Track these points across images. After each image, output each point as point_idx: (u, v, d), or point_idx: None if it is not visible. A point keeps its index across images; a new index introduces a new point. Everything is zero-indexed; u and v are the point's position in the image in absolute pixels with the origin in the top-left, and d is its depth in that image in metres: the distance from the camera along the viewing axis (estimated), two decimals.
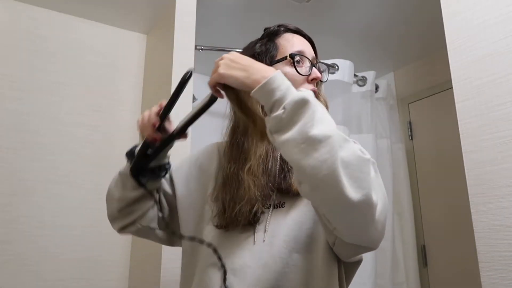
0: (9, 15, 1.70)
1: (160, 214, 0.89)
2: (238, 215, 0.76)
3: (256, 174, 0.78)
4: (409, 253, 2.19)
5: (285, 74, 0.85)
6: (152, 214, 0.88)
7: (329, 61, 1.99)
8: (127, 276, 1.71)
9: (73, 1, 1.75)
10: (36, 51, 1.73)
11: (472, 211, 0.98)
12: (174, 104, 0.76)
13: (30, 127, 1.65)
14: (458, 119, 1.03)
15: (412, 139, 2.45)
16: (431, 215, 2.27)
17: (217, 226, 0.80)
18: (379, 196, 0.62)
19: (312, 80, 0.87)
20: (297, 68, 0.85)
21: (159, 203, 0.90)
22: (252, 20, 1.99)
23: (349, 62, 2.05)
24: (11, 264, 1.51)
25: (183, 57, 1.61)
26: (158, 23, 1.86)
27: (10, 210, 1.55)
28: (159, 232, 0.90)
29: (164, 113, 0.77)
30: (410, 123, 2.47)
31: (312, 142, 0.58)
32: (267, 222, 0.77)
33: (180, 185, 0.90)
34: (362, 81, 2.19)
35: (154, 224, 0.88)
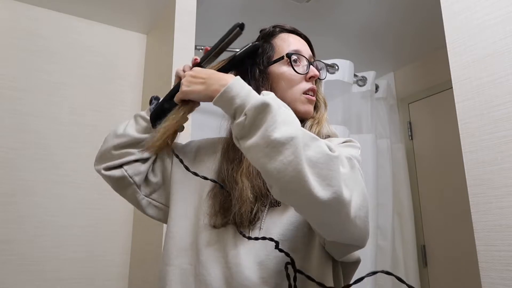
0: (9, 15, 1.70)
1: (150, 177, 0.90)
2: (236, 216, 0.76)
3: (253, 175, 0.78)
4: (409, 253, 2.19)
5: (283, 74, 0.85)
6: (142, 169, 0.88)
7: (329, 61, 1.99)
8: (127, 276, 1.71)
9: (73, 1, 1.75)
10: (36, 51, 1.73)
11: (472, 211, 0.98)
12: (216, 55, 0.83)
13: (30, 127, 1.66)
14: (458, 119, 1.04)
15: (412, 139, 2.45)
16: (431, 215, 2.27)
17: (214, 226, 0.79)
18: (355, 192, 0.62)
19: (310, 78, 0.87)
20: (294, 67, 0.86)
21: (152, 169, 0.91)
22: (252, 20, 1.98)
23: (349, 62, 2.05)
24: (11, 264, 1.51)
25: (183, 57, 1.61)
26: (158, 23, 1.87)
27: (10, 210, 1.55)
28: (138, 191, 0.89)
29: (204, 59, 0.83)
30: (410, 123, 2.47)
31: (275, 145, 0.58)
32: (263, 220, 0.77)
33: (178, 168, 0.89)
34: (362, 81, 2.19)
35: (138, 180, 0.88)
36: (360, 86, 2.19)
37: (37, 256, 1.56)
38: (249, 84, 0.83)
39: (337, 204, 0.59)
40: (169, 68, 1.61)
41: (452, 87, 1.06)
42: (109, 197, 1.75)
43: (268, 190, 0.77)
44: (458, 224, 2.10)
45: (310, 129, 0.85)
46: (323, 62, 0.96)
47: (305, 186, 0.56)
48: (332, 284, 0.74)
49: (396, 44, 2.28)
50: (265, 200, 0.79)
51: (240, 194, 0.76)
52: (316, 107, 0.90)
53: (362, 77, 2.19)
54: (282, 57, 0.86)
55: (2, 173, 1.57)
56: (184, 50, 1.62)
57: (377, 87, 2.29)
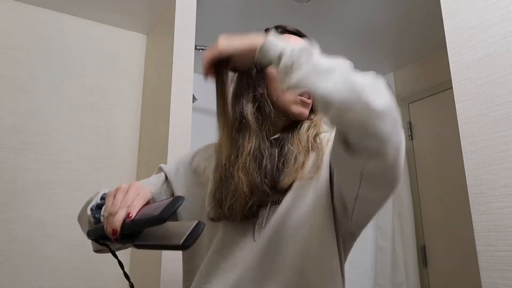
0: (9, 15, 1.70)
1: None
2: (231, 209, 0.77)
3: (249, 171, 0.78)
4: (409, 253, 2.19)
5: (274, 76, 0.84)
6: None
7: None
8: None
9: (73, 1, 1.75)
10: (36, 51, 1.73)
11: (472, 211, 0.98)
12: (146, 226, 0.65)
13: (30, 127, 1.66)
14: (458, 119, 1.03)
15: (412, 139, 2.45)
16: (431, 215, 2.27)
17: (212, 219, 0.80)
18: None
19: None
20: None
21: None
22: (252, 20, 1.99)
23: (348, 62, 2.05)
24: (11, 264, 1.51)
25: (183, 57, 1.61)
26: (158, 23, 1.87)
27: (10, 210, 1.55)
28: None
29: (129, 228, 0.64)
30: (410, 123, 2.47)
31: (326, 71, 0.63)
32: (266, 219, 0.78)
33: (179, 190, 0.90)
34: None
35: None
36: None
37: (37, 256, 1.56)
38: (246, 83, 0.84)
39: (392, 112, 0.62)
40: (169, 68, 1.61)
41: (452, 87, 1.06)
42: None
43: (267, 186, 0.77)
44: (458, 224, 2.10)
45: (307, 131, 0.85)
46: None
47: (362, 98, 0.60)
48: (339, 271, 0.75)
49: (396, 44, 2.28)
50: (265, 197, 0.79)
51: (235, 187, 0.77)
52: (313, 110, 0.89)
53: None
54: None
55: (2, 173, 1.57)
56: (184, 50, 1.62)
57: None
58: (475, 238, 0.96)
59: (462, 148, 1.02)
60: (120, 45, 1.93)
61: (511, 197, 0.90)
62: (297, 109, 0.85)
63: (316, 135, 0.85)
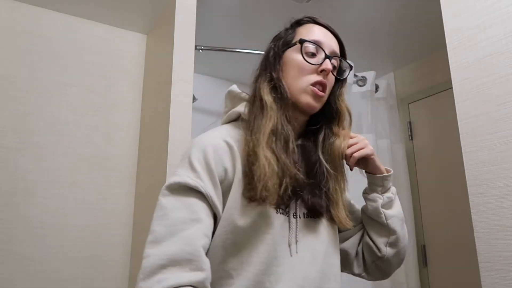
0: (9, 15, 1.70)
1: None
2: (264, 190, 0.73)
3: (274, 150, 0.76)
4: (409, 253, 2.19)
5: (294, 60, 0.84)
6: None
7: None
8: (127, 276, 1.71)
9: (73, 1, 1.75)
10: (36, 51, 1.73)
11: (472, 211, 0.98)
12: None
13: (30, 127, 1.66)
14: (458, 119, 1.04)
15: (412, 139, 2.45)
16: (431, 215, 2.27)
17: (249, 199, 0.75)
18: None
19: (321, 71, 0.83)
20: (307, 57, 0.83)
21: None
22: (252, 20, 1.99)
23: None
24: (11, 264, 1.51)
25: (183, 57, 1.61)
26: (158, 23, 1.87)
27: (10, 210, 1.55)
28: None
29: None
30: (410, 123, 2.47)
31: (403, 219, 0.93)
32: (297, 232, 0.80)
33: (220, 204, 0.78)
34: (362, 81, 2.19)
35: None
36: (360, 86, 2.19)
37: (37, 256, 1.56)
38: (264, 65, 0.86)
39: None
40: (169, 68, 1.61)
41: (452, 87, 1.06)
42: (109, 197, 1.75)
43: (299, 171, 0.79)
44: (458, 224, 2.10)
45: (332, 145, 0.86)
46: (350, 64, 0.92)
47: (407, 246, 0.94)
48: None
49: (396, 44, 2.28)
50: (294, 182, 0.78)
51: (263, 168, 0.74)
52: (339, 121, 0.88)
53: (362, 77, 2.19)
54: (295, 43, 0.85)
55: (2, 173, 1.57)
56: (184, 50, 1.62)
57: (377, 87, 2.28)
58: (475, 238, 0.96)
59: (462, 148, 1.02)
60: (120, 45, 1.93)
61: (511, 197, 0.90)
62: (307, 99, 0.82)
63: (343, 150, 0.86)
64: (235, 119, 0.89)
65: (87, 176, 1.72)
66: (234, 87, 0.93)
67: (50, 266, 1.58)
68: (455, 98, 1.05)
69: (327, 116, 0.89)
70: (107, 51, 1.90)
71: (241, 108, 0.87)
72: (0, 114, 1.61)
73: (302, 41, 0.84)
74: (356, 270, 0.95)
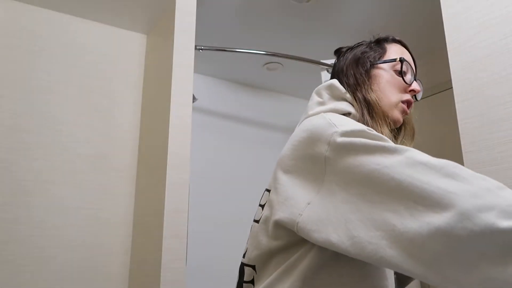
0: (8, 15, 1.70)
1: None
2: None
3: None
4: None
5: (389, 76, 0.86)
6: None
7: (329, 61, 1.99)
8: (127, 276, 1.71)
9: (73, 1, 1.75)
10: (36, 51, 1.73)
11: None
12: None
13: (30, 127, 1.66)
14: (458, 119, 1.04)
15: None
16: None
17: None
18: None
19: (410, 91, 0.88)
20: (403, 75, 0.86)
21: None
22: (252, 20, 1.99)
23: None
24: (11, 264, 1.51)
25: (183, 57, 1.61)
26: (158, 23, 1.87)
27: (9, 210, 1.55)
28: None
29: None
30: None
31: None
32: None
33: None
34: None
35: None
36: None
37: (36, 256, 1.56)
38: (346, 79, 0.86)
39: None
40: (169, 68, 1.61)
41: (452, 87, 1.06)
42: (109, 198, 1.75)
43: None
44: None
45: None
46: (421, 82, 0.96)
47: None
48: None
49: None
50: None
51: None
52: (405, 137, 0.93)
53: None
54: (395, 60, 0.88)
55: (2, 173, 1.57)
56: (184, 50, 1.63)
57: None
58: None
59: (462, 148, 1.02)
60: (120, 45, 1.94)
61: None
62: (398, 115, 0.87)
63: None
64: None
65: (87, 176, 1.72)
66: (338, 83, 0.87)
67: (49, 267, 1.58)
68: (455, 98, 1.05)
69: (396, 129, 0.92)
70: (107, 51, 1.90)
71: (348, 107, 0.84)
72: (0, 114, 1.61)
73: (402, 60, 0.87)
74: None
